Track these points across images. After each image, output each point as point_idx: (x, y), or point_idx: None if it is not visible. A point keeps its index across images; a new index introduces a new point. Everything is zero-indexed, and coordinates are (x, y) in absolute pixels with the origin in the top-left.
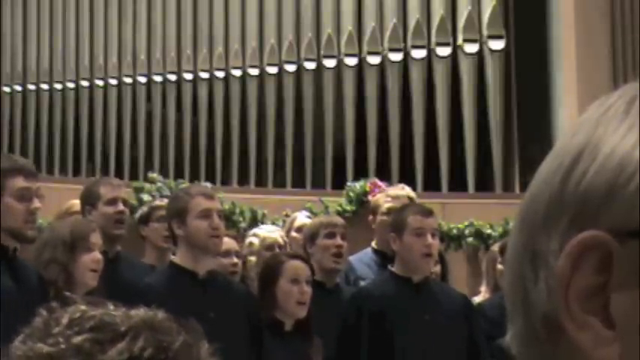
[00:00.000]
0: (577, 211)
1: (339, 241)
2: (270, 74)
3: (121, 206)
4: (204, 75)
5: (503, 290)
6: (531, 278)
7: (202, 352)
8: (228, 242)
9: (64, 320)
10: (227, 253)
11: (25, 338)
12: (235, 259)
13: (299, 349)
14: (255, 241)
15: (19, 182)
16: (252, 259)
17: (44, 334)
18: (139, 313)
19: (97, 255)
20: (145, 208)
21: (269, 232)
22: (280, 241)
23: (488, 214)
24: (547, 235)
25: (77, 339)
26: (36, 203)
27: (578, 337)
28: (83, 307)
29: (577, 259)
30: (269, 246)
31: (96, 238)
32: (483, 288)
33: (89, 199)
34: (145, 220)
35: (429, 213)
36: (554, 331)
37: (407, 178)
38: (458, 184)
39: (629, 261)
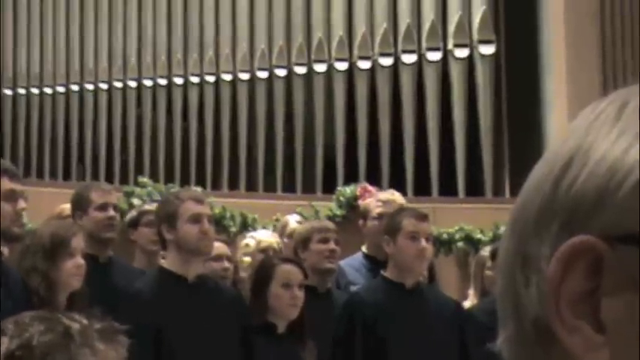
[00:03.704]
0: (568, 216)
1: (332, 246)
2: (261, 79)
3: (111, 212)
4: (195, 79)
5: (495, 295)
6: (523, 283)
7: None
8: (219, 247)
9: None
10: (218, 258)
11: None
12: (227, 264)
13: (292, 351)
14: (252, 242)
15: (5, 183)
16: (246, 259)
17: None
18: None
19: (79, 260)
20: (134, 213)
21: (266, 236)
22: (275, 246)
23: (479, 219)
24: (538, 240)
25: None
26: (22, 204)
27: (568, 342)
28: None
29: (567, 263)
30: (264, 249)
31: (77, 243)
32: (471, 292)
33: (80, 205)
34: (134, 224)
35: (423, 217)
36: (546, 336)
37: (397, 182)
38: (448, 189)
39: (620, 266)
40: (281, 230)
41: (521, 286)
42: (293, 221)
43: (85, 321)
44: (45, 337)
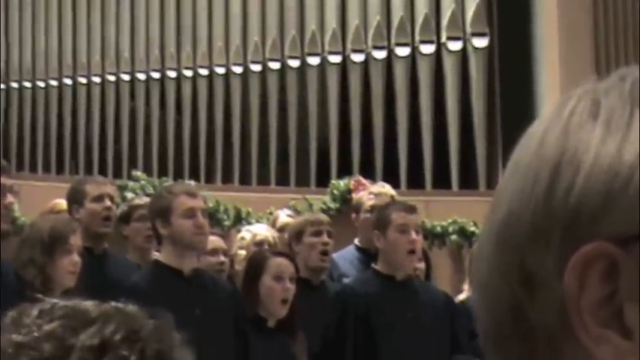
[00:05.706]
0: (569, 224)
1: (325, 238)
2: (254, 72)
3: (107, 202)
4: (188, 73)
5: (480, 314)
6: (526, 299)
7: (174, 338)
8: (215, 241)
9: (34, 312)
10: (214, 252)
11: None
12: (222, 258)
13: (282, 345)
14: (248, 235)
15: None
16: (242, 252)
17: (16, 326)
18: (110, 304)
19: (75, 257)
20: (124, 207)
21: (262, 230)
22: (271, 240)
23: (472, 212)
24: (537, 254)
25: (49, 326)
26: (9, 198)
27: (598, 353)
28: (54, 300)
29: (582, 274)
30: (259, 242)
31: (75, 240)
32: (466, 287)
33: (75, 198)
34: (126, 219)
35: (412, 210)
36: (561, 351)
37: (391, 175)
38: (442, 182)
39: (636, 267)
40: (272, 224)
41: (524, 303)
42: (283, 215)
43: (106, 331)
44: (41, 344)
